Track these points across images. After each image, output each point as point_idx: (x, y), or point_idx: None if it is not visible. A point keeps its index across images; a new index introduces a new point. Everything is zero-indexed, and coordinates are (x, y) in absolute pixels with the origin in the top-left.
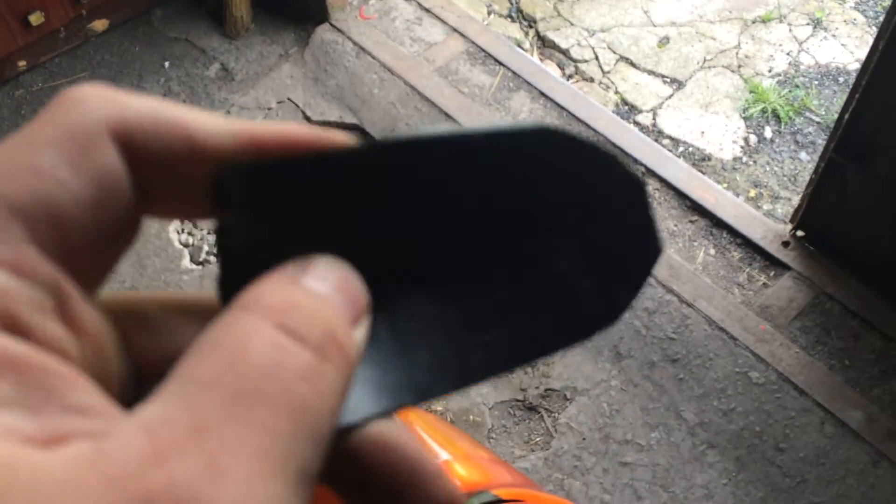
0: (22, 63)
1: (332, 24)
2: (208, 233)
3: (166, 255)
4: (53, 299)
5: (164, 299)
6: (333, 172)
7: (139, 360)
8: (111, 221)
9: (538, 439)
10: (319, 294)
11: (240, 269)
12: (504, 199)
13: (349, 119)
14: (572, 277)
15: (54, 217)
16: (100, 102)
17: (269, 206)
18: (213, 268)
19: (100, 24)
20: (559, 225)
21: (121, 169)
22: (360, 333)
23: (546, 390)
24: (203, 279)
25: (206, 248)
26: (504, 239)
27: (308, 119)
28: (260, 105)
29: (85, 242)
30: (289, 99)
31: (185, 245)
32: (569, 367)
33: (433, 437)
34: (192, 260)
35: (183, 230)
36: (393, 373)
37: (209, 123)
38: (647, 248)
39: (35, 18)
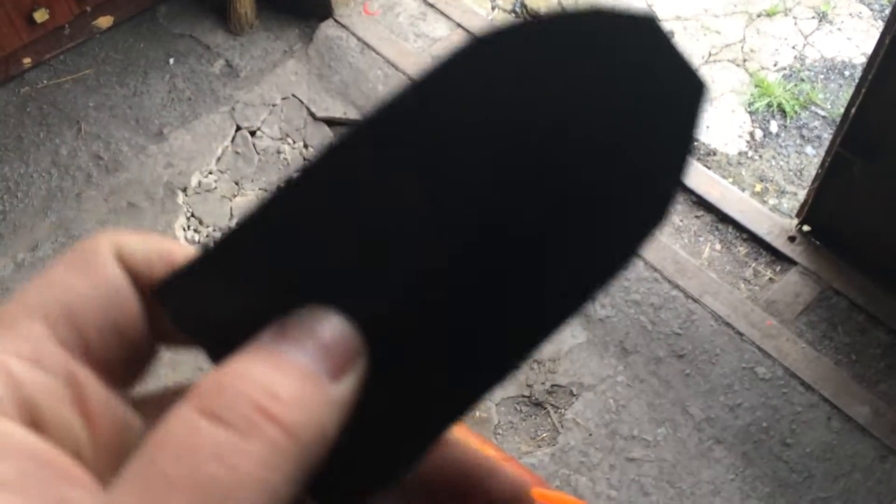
0: (27, 60)
1: (336, 20)
2: (214, 230)
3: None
4: (68, 388)
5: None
6: (264, 231)
7: None
8: (120, 319)
9: (545, 435)
10: (275, 361)
11: (225, 344)
12: (489, 125)
13: (353, 115)
14: (603, 180)
15: (70, 317)
16: (100, 236)
17: (213, 294)
18: None
19: (104, 21)
20: (569, 120)
21: (121, 275)
22: (343, 386)
23: (552, 386)
24: None
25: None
26: (506, 175)
27: (312, 115)
28: (264, 101)
29: (99, 333)
30: (293, 95)
31: (192, 242)
32: (575, 363)
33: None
34: None
35: (189, 227)
36: (410, 412)
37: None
38: (685, 95)
39: (40, 15)
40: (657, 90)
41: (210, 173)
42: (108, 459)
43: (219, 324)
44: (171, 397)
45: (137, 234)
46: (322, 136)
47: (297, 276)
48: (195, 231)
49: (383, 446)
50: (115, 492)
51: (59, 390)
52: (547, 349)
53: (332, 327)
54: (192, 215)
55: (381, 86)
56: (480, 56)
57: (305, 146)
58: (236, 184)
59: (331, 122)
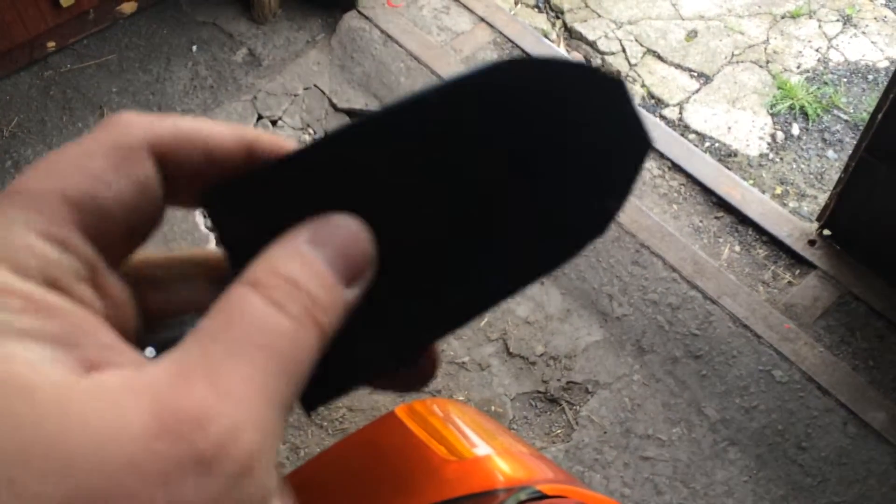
0: (51, 44)
1: (359, 12)
2: None
3: (192, 238)
4: (88, 270)
5: (170, 258)
6: (292, 171)
7: (149, 311)
8: (143, 215)
9: (559, 431)
10: (311, 266)
11: (247, 238)
12: (476, 140)
13: (375, 107)
14: (557, 193)
15: (98, 209)
16: (140, 125)
17: (254, 206)
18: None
19: (128, 7)
20: (538, 144)
21: (154, 176)
22: (353, 292)
23: (568, 383)
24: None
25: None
26: (491, 175)
27: (334, 106)
28: (286, 91)
29: (119, 231)
30: (315, 85)
31: (211, 229)
32: (591, 360)
33: (475, 431)
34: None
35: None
36: (416, 310)
37: (221, 133)
38: (634, 144)
39: (65, 0)
40: (615, 136)
41: None
42: (118, 326)
43: (252, 228)
44: (145, 266)
45: (165, 121)
46: None
47: (327, 202)
48: None
49: (365, 346)
50: (205, 349)
51: (80, 270)
52: (563, 346)
53: (350, 230)
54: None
55: (403, 78)
56: (482, 86)
57: None
58: None
59: (352, 114)
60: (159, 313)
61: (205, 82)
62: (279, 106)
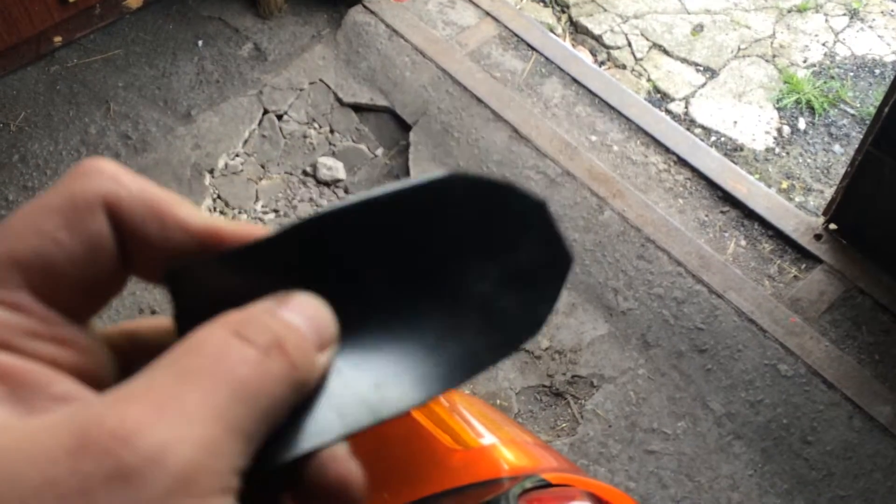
0: (58, 39)
1: (364, 6)
2: (239, 212)
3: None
4: (43, 327)
5: (156, 326)
6: (257, 256)
7: (124, 362)
8: (97, 274)
9: (564, 425)
10: (285, 321)
11: (201, 315)
12: (416, 245)
13: (380, 101)
14: (493, 298)
15: (48, 268)
16: (102, 179)
17: (208, 286)
18: None
19: (134, 2)
20: (473, 256)
21: (108, 234)
22: (324, 358)
23: (573, 377)
24: None
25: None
26: (425, 278)
27: (339, 100)
28: (292, 86)
29: (73, 289)
30: (321, 80)
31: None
32: (596, 354)
33: (480, 421)
34: None
35: (215, 207)
36: (355, 396)
37: (189, 214)
38: (557, 260)
39: None
40: (540, 251)
41: (237, 156)
42: (91, 376)
43: (206, 307)
44: (130, 333)
45: (131, 180)
46: (348, 122)
47: (283, 283)
48: (221, 213)
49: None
50: (152, 375)
51: (38, 330)
52: (568, 340)
53: (314, 302)
54: (219, 197)
55: (409, 73)
56: (423, 199)
57: (331, 131)
58: (262, 167)
59: (357, 108)
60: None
61: (211, 77)
62: (285, 100)
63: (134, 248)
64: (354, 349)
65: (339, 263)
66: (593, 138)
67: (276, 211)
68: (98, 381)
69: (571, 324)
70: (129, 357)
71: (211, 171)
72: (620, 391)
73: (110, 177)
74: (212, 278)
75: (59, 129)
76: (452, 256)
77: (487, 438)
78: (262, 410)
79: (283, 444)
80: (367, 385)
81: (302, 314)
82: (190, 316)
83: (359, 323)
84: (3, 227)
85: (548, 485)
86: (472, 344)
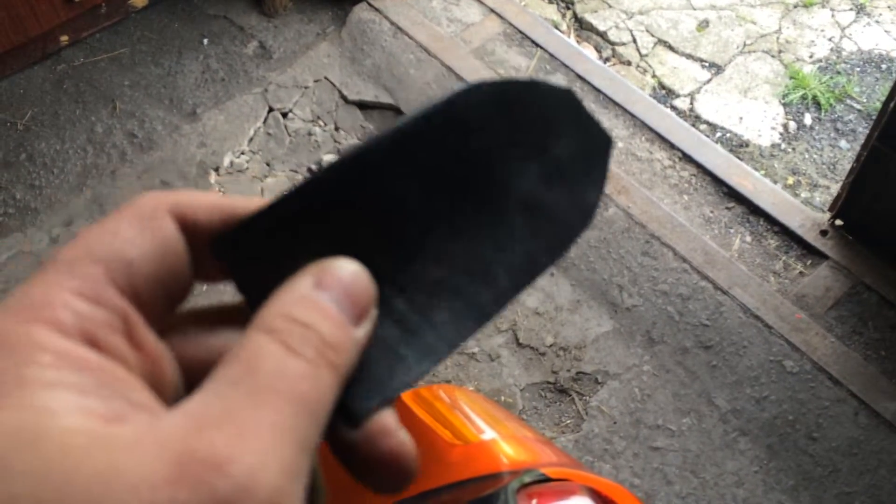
0: (64, 38)
1: (369, 4)
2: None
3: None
4: (122, 323)
5: (196, 312)
6: (306, 203)
7: (183, 366)
8: (170, 274)
9: (569, 422)
10: (321, 310)
11: (258, 281)
12: (454, 163)
13: (385, 99)
14: (540, 197)
15: (127, 266)
16: (161, 195)
17: (259, 249)
18: None
19: (140, 1)
20: (511, 159)
21: (176, 234)
22: (362, 330)
23: (577, 373)
24: None
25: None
26: (469, 193)
27: (344, 98)
28: (297, 83)
29: (148, 285)
30: (325, 78)
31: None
32: (601, 351)
33: (480, 416)
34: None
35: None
36: (420, 338)
37: (238, 201)
38: (596, 143)
39: None
40: (574, 141)
41: (242, 154)
42: (153, 381)
43: (261, 271)
44: (200, 319)
45: (196, 192)
46: (353, 119)
47: (328, 239)
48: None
49: (388, 365)
50: (223, 395)
51: (114, 323)
52: (573, 337)
53: (351, 272)
54: (224, 195)
55: (413, 70)
56: (464, 106)
57: (336, 128)
58: (268, 164)
59: (362, 105)
60: (190, 368)
61: (216, 75)
62: (290, 98)
63: (202, 250)
64: (410, 280)
65: (381, 197)
66: None
67: None
68: (163, 388)
69: (576, 320)
70: (183, 342)
71: (216, 169)
72: (625, 388)
73: (167, 194)
74: (260, 241)
75: (66, 127)
76: (491, 165)
77: (487, 434)
78: (320, 419)
79: (350, 409)
80: (426, 315)
81: (339, 291)
82: (254, 285)
83: (410, 252)
84: (80, 235)
85: (547, 479)
86: (528, 247)
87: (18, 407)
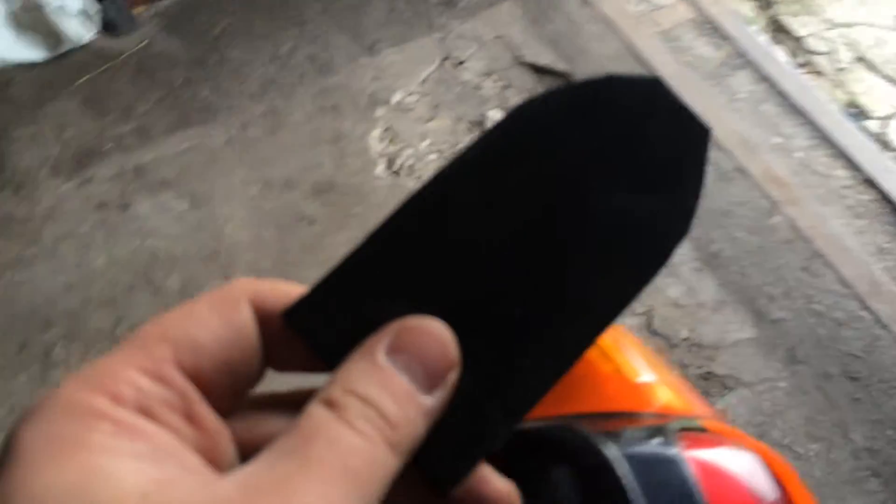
0: None
1: None
2: (405, 147)
3: (363, 159)
4: (181, 401)
5: (268, 396)
6: (378, 254)
7: (244, 448)
8: (241, 359)
9: None
10: (386, 383)
11: (336, 344)
12: (534, 184)
13: (560, 67)
14: (629, 208)
15: (196, 348)
16: (247, 282)
17: (333, 308)
18: (403, 179)
19: None
20: (595, 171)
21: (252, 324)
22: (435, 398)
23: (707, 373)
24: (392, 188)
25: (400, 160)
26: (552, 215)
27: (519, 58)
28: (476, 36)
29: (214, 367)
30: (505, 35)
31: (382, 155)
32: (737, 356)
33: (642, 357)
34: (387, 168)
35: (384, 138)
36: (505, 390)
37: None
38: (692, 136)
39: None
40: (671, 135)
41: (412, 93)
42: (211, 458)
43: (338, 333)
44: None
45: (282, 283)
46: (524, 81)
47: (404, 289)
48: (389, 142)
49: (473, 423)
50: (275, 465)
51: (173, 400)
52: (710, 336)
53: (431, 334)
54: (389, 129)
55: (595, 42)
56: (545, 116)
57: (506, 86)
58: (434, 108)
59: (536, 69)
60: (246, 447)
61: (401, 16)
62: (466, 48)
63: (277, 342)
64: (493, 326)
65: (457, 238)
66: (776, 140)
67: (440, 151)
68: (219, 464)
69: (716, 320)
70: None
71: (386, 104)
72: (756, 398)
73: (253, 282)
74: (333, 301)
75: (257, 41)
76: (574, 182)
77: (646, 374)
78: (372, 495)
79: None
80: (510, 363)
81: (414, 357)
82: (332, 349)
83: (493, 294)
84: (159, 315)
85: (704, 430)
86: (620, 271)
87: (79, 469)
